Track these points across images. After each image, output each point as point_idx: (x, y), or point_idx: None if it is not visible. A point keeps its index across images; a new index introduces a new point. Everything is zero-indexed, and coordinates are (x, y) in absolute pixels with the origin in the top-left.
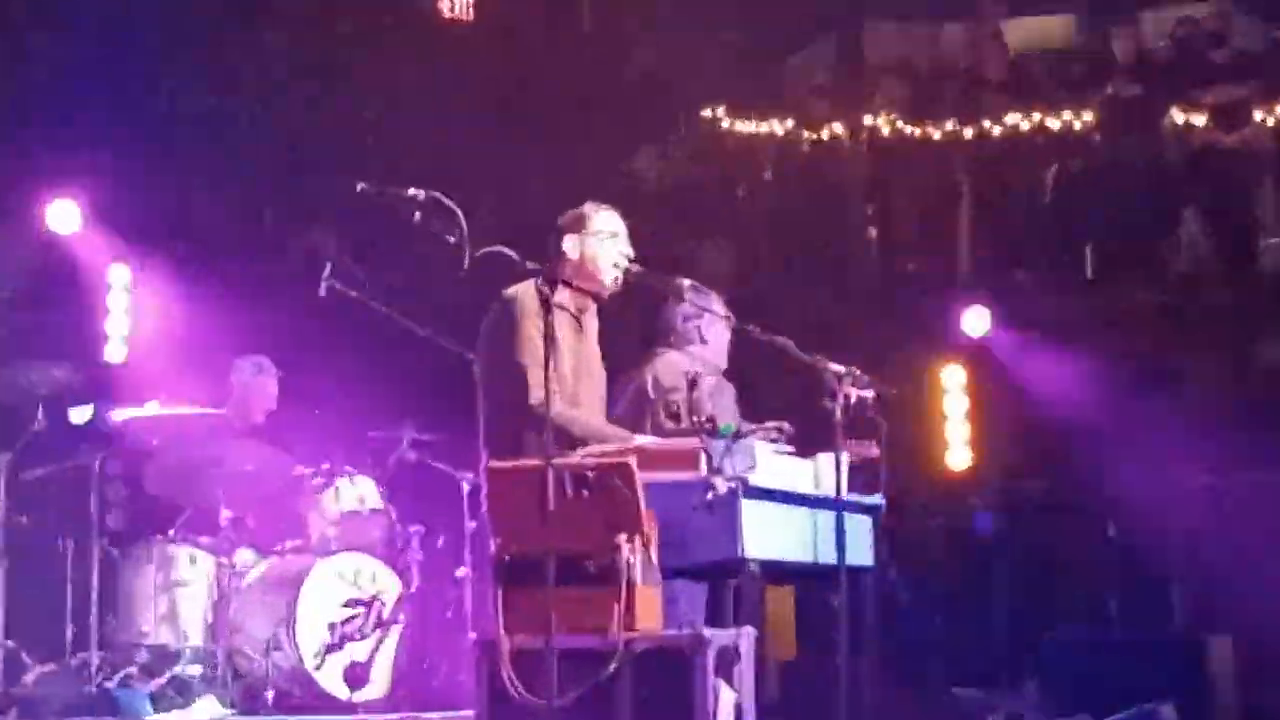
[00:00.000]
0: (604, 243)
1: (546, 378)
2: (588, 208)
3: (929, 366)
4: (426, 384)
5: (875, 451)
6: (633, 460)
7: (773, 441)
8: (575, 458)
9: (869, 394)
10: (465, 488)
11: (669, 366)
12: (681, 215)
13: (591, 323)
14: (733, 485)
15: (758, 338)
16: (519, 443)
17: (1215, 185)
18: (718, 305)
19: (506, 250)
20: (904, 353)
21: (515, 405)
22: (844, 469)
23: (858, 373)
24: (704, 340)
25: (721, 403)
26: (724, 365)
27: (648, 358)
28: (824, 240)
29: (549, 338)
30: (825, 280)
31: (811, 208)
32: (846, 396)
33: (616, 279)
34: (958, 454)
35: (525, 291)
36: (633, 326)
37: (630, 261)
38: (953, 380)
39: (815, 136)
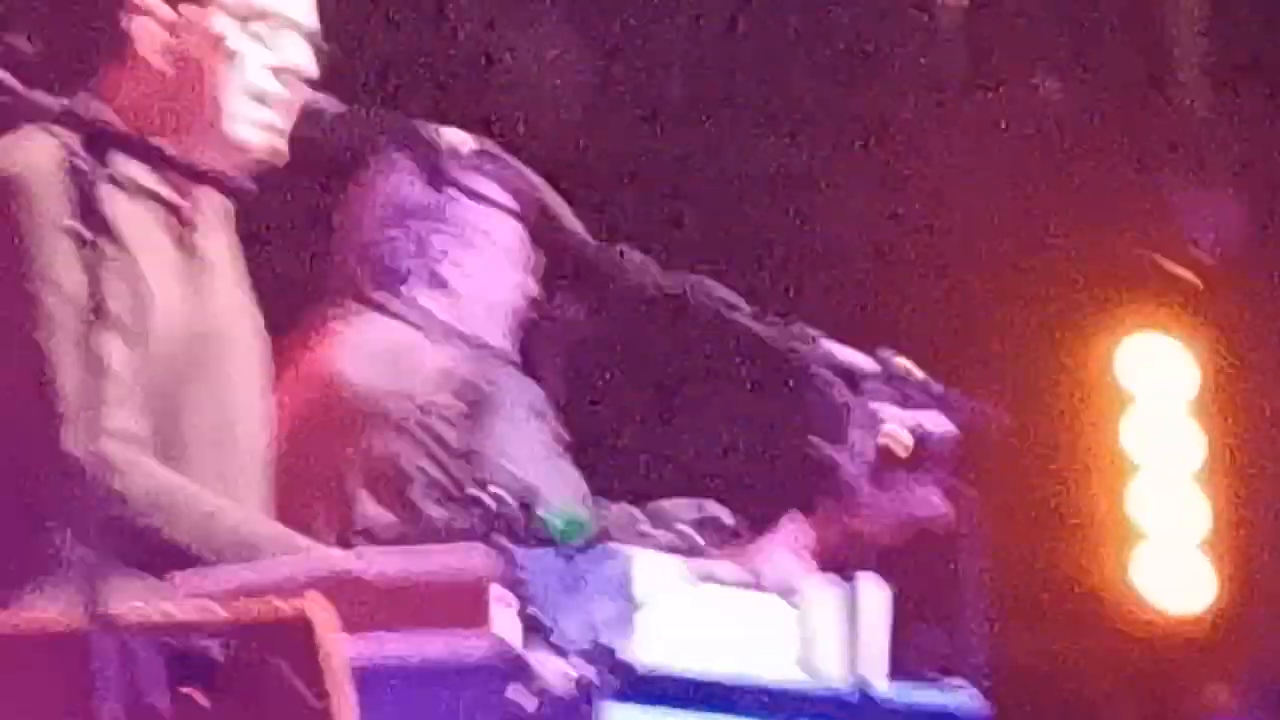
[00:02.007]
0: (237, 37)
1: (83, 380)
2: None
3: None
4: None
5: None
6: (317, 612)
7: (689, 552)
8: (176, 605)
9: (943, 426)
10: None
11: (364, 347)
12: None
13: (217, 233)
14: (585, 675)
15: (650, 286)
16: (25, 556)
17: None
18: (498, 187)
19: None
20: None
21: (13, 452)
22: (880, 613)
23: (915, 372)
24: (444, 284)
25: (520, 438)
26: (510, 350)
27: (317, 327)
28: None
29: (91, 268)
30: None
31: None
32: (886, 433)
33: (273, 135)
34: (1174, 581)
35: (30, 152)
36: None
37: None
38: (1152, 373)
39: None
